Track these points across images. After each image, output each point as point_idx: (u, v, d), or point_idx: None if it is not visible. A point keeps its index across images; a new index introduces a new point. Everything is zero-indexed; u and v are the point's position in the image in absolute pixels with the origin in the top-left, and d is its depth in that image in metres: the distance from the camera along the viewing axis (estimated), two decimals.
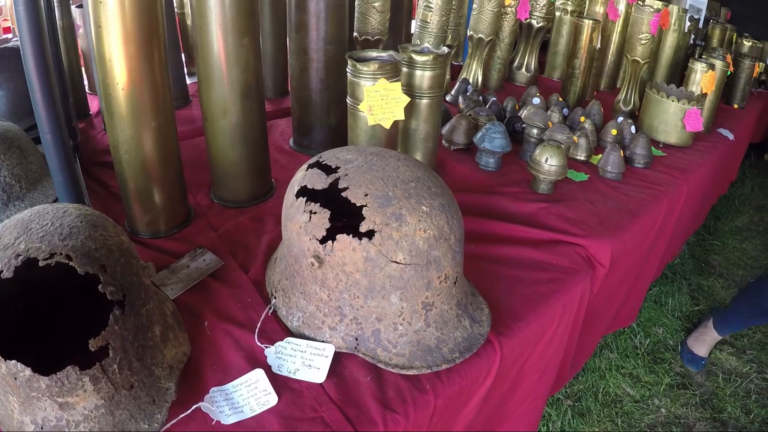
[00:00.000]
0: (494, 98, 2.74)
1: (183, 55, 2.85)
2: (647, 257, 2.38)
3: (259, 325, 1.36)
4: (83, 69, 2.55)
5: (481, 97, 2.78)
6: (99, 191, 1.98)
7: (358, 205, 1.17)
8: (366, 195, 1.17)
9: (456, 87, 2.95)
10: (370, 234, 1.15)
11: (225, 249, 1.67)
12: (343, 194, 1.18)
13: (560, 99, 2.96)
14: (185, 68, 2.88)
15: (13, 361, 0.94)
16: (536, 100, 2.75)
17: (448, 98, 2.97)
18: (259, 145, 1.86)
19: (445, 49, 1.93)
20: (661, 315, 3.62)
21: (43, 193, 1.69)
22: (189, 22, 2.84)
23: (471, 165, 2.26)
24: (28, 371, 0.94)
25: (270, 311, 1.40)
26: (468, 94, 2.75)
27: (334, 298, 1.25)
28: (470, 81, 3.11)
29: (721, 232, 4.88)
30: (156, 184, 1.65)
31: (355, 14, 2.40)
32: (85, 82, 2.60)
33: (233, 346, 1.33)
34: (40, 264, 0.99)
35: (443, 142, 2.34)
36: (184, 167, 1.79)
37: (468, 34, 3.09)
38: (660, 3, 3.39)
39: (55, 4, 2.15)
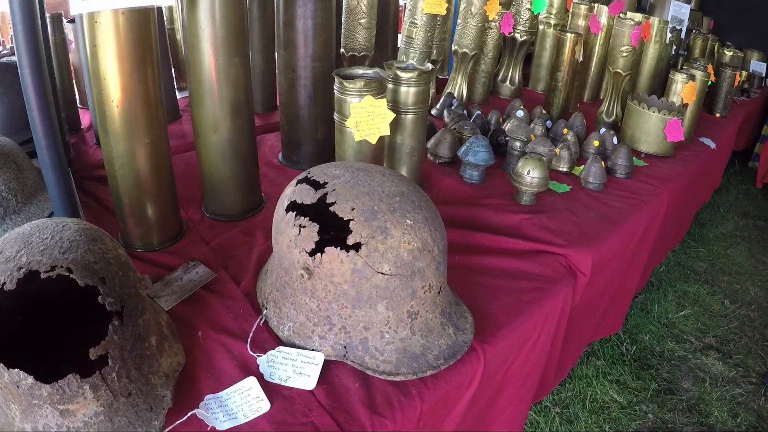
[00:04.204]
0: (479, 111, 2.79)
1: (173, 70, 2.88)
2: (630, 266, 2.42)
3: (251, 335, 1.40)
4: (74, 83, 2.58)
5: (465, 111, 2.82)
6: (92, 205, 2.01)
7: (345, 219, 1.22)
8: (353, 209, 1.22)
9: (441, 101, 2.99)
10: (356, 246, 1.20)
11: (217, 262, 1.71)
12: (331, 209, 1.23)
13: (544, 111, 3.01)
14: (175, 83, 2.92)
15: (16, 370, 0.97)
16: (520, 113, 2.80)
17: (433, 112, 3.01)
18: (249, 161, 1.90)
19: (429, 66, 1.98)
20: (647, 322, 3.66)
21: (39, 207, 1.73)
22: (179, 37, 2.87)
23: (456, 178, 2.31)
24: (30, 379, 0.97)
25: (261, 321, 1.44)
26: (453, 107, 2.79)
27: (323, 308, 1.29)
28: (455, 95, 3.15)
29: (706, 239, 4.92)
30: (149, 199, 1.68)
31: (342, 31, 2.44)
32: (77, 97, 2.62)
33: (226, 355, 1.36)
34: (42, 276, 1.02)
35: (428, 155, 2.39)
36: (176, 182, 1.83)
37: (453, 48, 3.13)
38: (641, 15, 3.45)
39: (48, 20, 2.17)
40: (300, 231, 1.26)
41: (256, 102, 2.80)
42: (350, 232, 1.21)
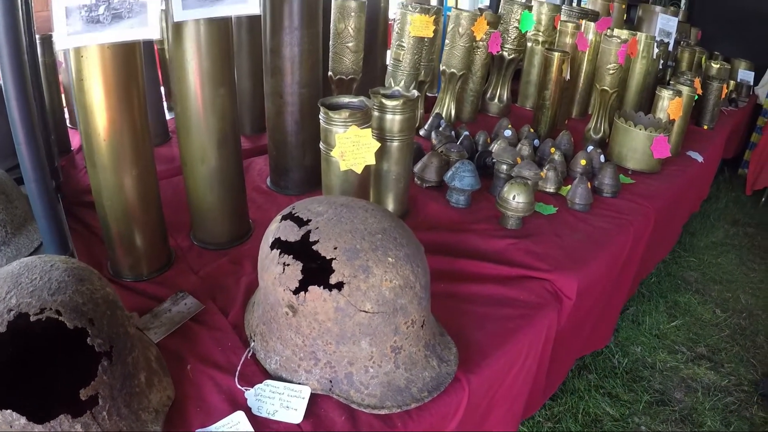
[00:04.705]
0: (466, 132, 2.80)
1: (162, 88, 2.88)
2: (617, 283, 2.44)
3: (239, 369, 1.41)
4: (64, 104, 2.58)
5: (453, 132, 2.84)
6: (82, 232, 2.02)
7: (327, 258, 1.24)
8: (335, 248, 1.24)
9: (429, 122, 3.01)
10: (339, 286, 1.23)
11: (205, 292, 1.72)
12: (314, 247, 1.26)
13: (531, 130, 3.04)
14: (165, 102, 2.93)
15: (9, 411, 0.98)
16: (508, 133, 2.82)
17: (421, 133, 3.03)
18: (236, 190, 1.92)
19: (415, 93, 2.00)
20: (639, 334, 3.67)
21: (29, 238, 1.75)
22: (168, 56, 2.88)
23: (442, 202, 2.32)
24: (23, 420, 0.99)
25: (249, 354, 1.46)
26: (441, 129, 2.80)
27: (308, 343, 1.31)
28: (443, 115, 3.17)
29: (696, 248, 4.94)
30: (138, 229, 1.70)
31: (330, 54, 2.46)
32: (66, 116, 2.62)
33: (215, 389, 1.38)
34: (32, 319, 1.04)
35: (415, 179, 2.40)
36: (164, 208, 1.85)
37: (441, 68, 3.15)
38: (627, 32, 3.48)
39: (37, 41, 2.18)
40: (284, 269, 1.29)
41: (244, 125, 2.82)
42: (333, 271, 1.23)
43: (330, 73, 2.49)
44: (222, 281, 1.79)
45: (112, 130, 1.53)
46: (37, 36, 2.17)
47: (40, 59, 2.23)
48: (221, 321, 1.61)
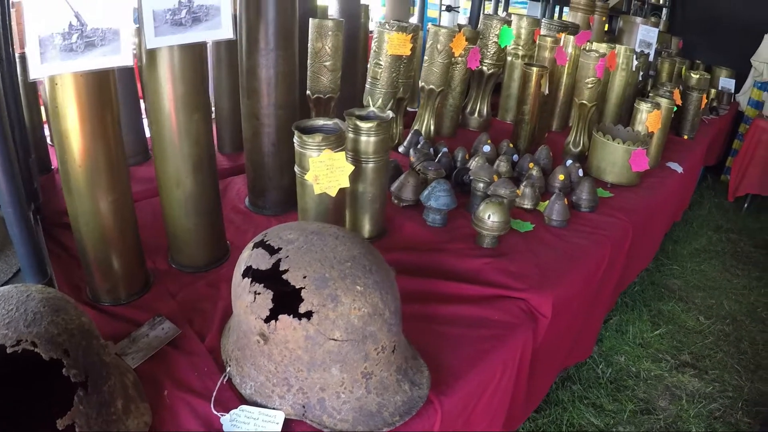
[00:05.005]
0: (445, 149, 2.82)
1: (143, 103, 2.85)
2: (596, 297, 2.46)
3: (214, 394, 1.42)
4: (45, 121, 2.55)
5: (432, 149, 2.86)
6: (61, 254, 2.01)
7: (297, 287, 1.25)
8: (304, 277, 1.26)
9: (408, 138, 3.01)
10: (308, 315, 1.24)
11: (182, 316, 1.73)
12: (284, 276, 1.27)
13: (510, 145, 3.06)
14: (144, 118, 2.90)
15: None
16: (486, 148, 2.84)
17: (400, 149, 3.04)
18: (213, 214, 1.93)
19: (390, 114, 2.01)
20: (623, 343, 3.69)
21: (7, 263, 1.76)
22: None
23: (419, 221, 2.33)
24: None
25: (225, 379, 1.47)
26: (419, 146, 2.82)
27: (280, 370, 1.33)
28: (422, 131, 3.18)
29: (679, 256, 4.97)
30: (115, 254, 1.70)
31: (308, 73, 2.48)
32: (47, 134, 2.59)
33: (191, 414, 1.39)
34: (8, 351, 1.05)
35: (393, 199, 2.41)
36: (143, 229, 1.86)
37: (420, 85, 3.16)
38: (605, 46, 3.50)
39: (17, 58, 2.17)
40: (255, 298, 1.30)
41: (224, 143, 2.83)
42: (302, 300, 1.24)
43: (308, 92, 2.50)
44: (199, 305, 1.79)
45: (88, 157, 1.54)
46: (17, 53, 2.17)
47: (19, 76, 2.22)
48: (198, 346, 1.62)
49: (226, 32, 1.68)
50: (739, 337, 4.02)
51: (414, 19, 4.58)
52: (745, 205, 6.29)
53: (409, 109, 3.54)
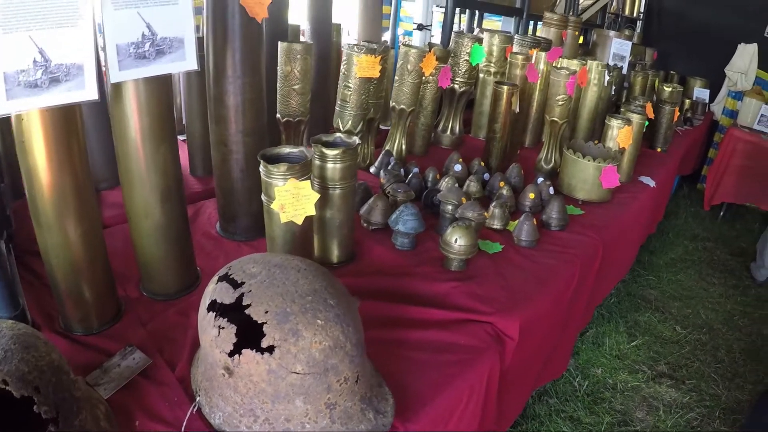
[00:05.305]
0: (416, 169, 2.84)
1: None
2: (567, 315, 2.48)
3: (184, 424, 1.44)
4: None
5: (402, 170, 2.87)
6: (34, 283, 2.01)
7: (259, 322, 1.27)
8: (266, 312, 1.28)
9: (379, 159, 3.01)
10: (270, 349, 1.26)
11: (153, 345, 1.74)
12: (247, 311, 1.29)
13: (482, 163, 3.09)
14: None
15: None
16: (458, 167, 2.86)
17: (371, 170, 3.04)
18: (182, 243, 1.94)
19: (356, 140, 2.03)
20: (599, 355, 3.72)
21: None
22: None
23: (388, 245, 2.34)
24: None
25: (195, 409, 1.48)
26: (390, 167, 2.83)
27: (246, 401, 1.34)
28: (394, 151, 3.19)
29: (655, 266, 5.02)
30: (86, 285, 1.71)
31: (277, 97, 2.50)
32: None
33: None
34: None
35: (362, 222, 2.42)
36: (115, 256, 1.87)
37: (391, 105, 3.17)
38: (577, 63, 3.54)
39: None
40: (219, 332, 1.32)
41: (196, 166, 2.84)
42: (264, 335, 1.26)
43: (278, 115, 2.52)
44: (169, 334, 1.80)
45: (56, 190, 1.55)
46: None
47: None
48: (168, 375, 1.63)
49: (190, 64, 1.70)
50: (716, 346, 4.07)
51: (388, 34, 4.63)
52: (721, 213, 6.37)
53: (381, 127, 3.55)
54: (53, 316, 1.82)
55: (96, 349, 1.72)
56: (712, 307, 4.58)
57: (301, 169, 1.77)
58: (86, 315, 1.76)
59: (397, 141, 3.22)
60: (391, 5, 4.85)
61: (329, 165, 1.98)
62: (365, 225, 2.41)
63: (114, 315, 1.84)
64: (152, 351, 1.71)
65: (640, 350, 3.86)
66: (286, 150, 1.89)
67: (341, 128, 2.66)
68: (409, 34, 5.33)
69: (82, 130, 1.60)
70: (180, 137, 2.97)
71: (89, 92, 1.49)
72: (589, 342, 3.84)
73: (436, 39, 5.23)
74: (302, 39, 3.04)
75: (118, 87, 1.63)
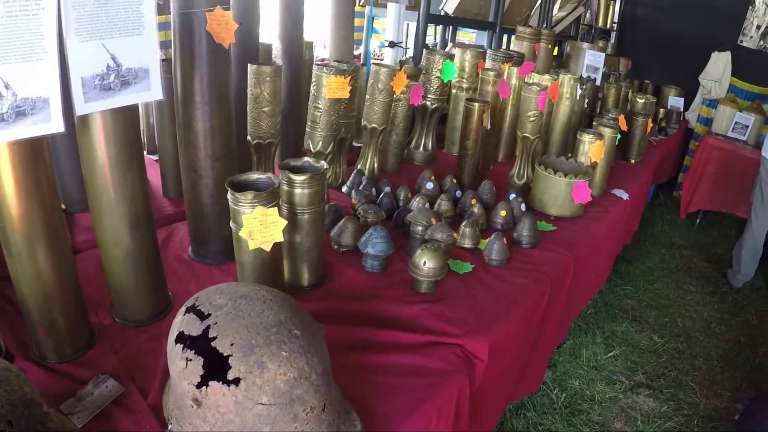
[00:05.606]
0: (387, 188, 2.86)
1: None
2: (539, 332, 2.50)
3: None
4: None
5: (374, 189, 2.88)
6: (7, 310, 2.00)
7: (225, 354, 1.28)
8: (232, 345, 1.29)
9: (351, 179, 3.02)
10: (236, 381, 1.27)
11: (125, 373, 1.75)
12: (213, 344, 1.30)
13: (454, 181, 3.10)
14: None
15: None
16: (429, 185, 2.88)
17: (343, 189, 3.05)
18: (153, 269, 1.95)
19: (323, 165, 2.05)
20: (577, 367, 3.74)
21: None
22: None
23: (358, 267, 2.34)
24: None
25: None
26: (361, 187, 2.84)
27: (216, 430, 1.36)
28: (366, 169, 3.20)
29: (632, 276, 5.05)
30: (58, 313, 1.72)
31: (248, 119, 2.51)
32: None
33: None
34: None
35: (333, 244, 2.42)
36: (87, 281, 1.89)
37: (362, 123, 3.17)
38: (548, 78, 3.56)
39: None
40: (187, 364, 1.33)
41: (169, 188, 2.84)
42: (230, 367, 1.28)
43: (249, 137, 2.53)
44: (141, 360, 1.81)
45: (25, 221, 1.56)
46: None
47: None
48: (140, 403, 1.64)
49: (155, 94, 1.71)
50: (694, 354, 4.10)
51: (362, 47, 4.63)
52: (698, 220, 6.43)
53: (354, 143, 3.56)
54: (27, 344, 1.82)
55: (70, 377, 1.72)
56: (690, 315, 4.62)
57: (268, 196, 1.79)
58: (59, 343, 1.77)
59: (369, 159, 3.22)
60: (364, 17, 4.85)
61: (297, 190, 2.00)
62: (336, 247, 2.41)
63: (87, 342, 1.85)
64: (125, 378, 1.72)
65: (618, 361, 3.88)
66: (254, 176, 1.90)
67: (312, 149, 2.66)
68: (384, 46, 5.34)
69: (50, 160, 1.61)
70: (153, 157, 3.00)
71: (55, 125, 1.50)
72: (566, 354, 3.86)
73: (412, 52, 5.25)
74: (274, 56, 3.05)
75: (84, 117, 1.64)
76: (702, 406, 3.56)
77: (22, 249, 1.60)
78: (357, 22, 4.32)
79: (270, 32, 3.06)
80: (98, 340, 1.89)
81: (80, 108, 1.57)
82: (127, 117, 1.71)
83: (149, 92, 1.70)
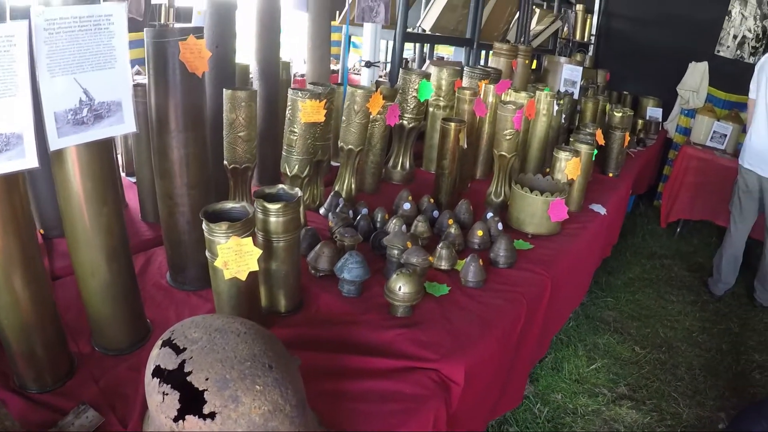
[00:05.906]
0: (365, 210, 2.86)
1: None
2: (517, 352, 2.53)
3: None
4: None
5: (351, 211, 2.89)
6: None
7: (200, 389, 1.30)
8: (207, 379, 1.31)
9: (328, 201, 3.02)
10: (212, 415, 1.29)
11: (105, 402, 1.76)
12: (188, 378, 1.32)
13: (431, 200, 3.12)
14: None
15: None
16: (407, 206, 2.90)
17: (321, 211, 3.06)
18: (131, 299, 1.96)
19: (298, 192, 2.07)
20: (559, 380, 3.76)
21: None
22: None
23: (335, 292, 2.35)
24: None
25: None
26: (338, 209, 2.85)
27: None
28: (343, 191, 3.20)
29: (614, 287, 5.08)
30: (38, 344, 1.73)
31: (224, 144, 2.52)
32: None
33: None
34: None
35: (309, 269, 2.43)
36: (67, 309, 1.93)
37: (339, 145, 3.18)
38: (525, 95, 3.58)
39: None
40: (163, 399, 1.35)
41: (147, 212, 2.84)
42: (205, 401, 1.30)
43: (225, 162, 2.54)
44: (121, 389, 1.82)
45: (2, 252, 1.58)
46: None
47: None
48: None
49: (129, 126, 1.72)
50: (676, 364, 4.14)
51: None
52: (678, 229, 6.48)
53: (333, 163, 3.56)
54: (8, 374, 1.83)
55: (50, 408, 1.73)
56: (671, 324, 4.66)
57: (243, 226, 1.81)
58: (39, 373, 1.78)
59: (346, 181, 3.23)
60: (341, 32, 4.86)
61: (272, 219, 2.01)
62: (313, 272, 2.42)
63: (67, 371, 1.86)
64: (105, 408, 1.73)
65: (600, 373, 3.91)
66: (229, 205, 1.92)
67: (288, 173, 2.66)
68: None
69: (25, 190, 1.63)
70: (131, 179, 3.00)
71: (29, 160, 1.52)
72: (548, 368, 3.88)
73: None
74: (251, 77, 3.07)
75: (58, 152, 1.65)
76: (685, 416, 3.59)
77: (0, 281, 1.61)
78: (335, 36, 4.35)
79: (247, 53, 3.08)
80: (78, 369, 1.90)
81: (54, 143, 1.58)
82: (101, 150, 1.72)
83: (122, 125, 1.71)
